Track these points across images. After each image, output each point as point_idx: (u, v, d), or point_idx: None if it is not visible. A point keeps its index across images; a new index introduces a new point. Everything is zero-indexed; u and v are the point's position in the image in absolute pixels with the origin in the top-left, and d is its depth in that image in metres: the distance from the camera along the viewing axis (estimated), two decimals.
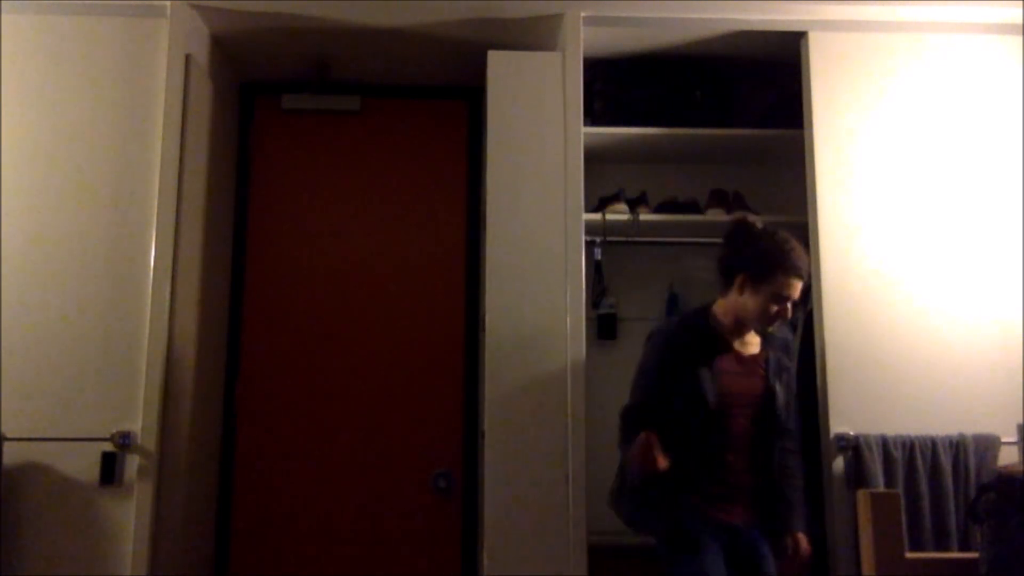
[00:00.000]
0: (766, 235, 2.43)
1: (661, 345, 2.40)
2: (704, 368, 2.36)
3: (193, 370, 2.81)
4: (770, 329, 2.46)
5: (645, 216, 3.09)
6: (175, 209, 2.69)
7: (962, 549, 2.51)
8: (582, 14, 2.84)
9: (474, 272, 3.31)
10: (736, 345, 2.44)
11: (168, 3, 2.76)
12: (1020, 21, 2.83)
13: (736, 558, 2.37)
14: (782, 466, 2.46)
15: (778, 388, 2.43)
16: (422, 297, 3.31)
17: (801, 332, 2.88)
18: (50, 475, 2.53)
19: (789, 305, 2.38)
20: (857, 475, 2.55)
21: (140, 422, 2.57)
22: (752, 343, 2.46)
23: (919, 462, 2.57)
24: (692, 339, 2.40)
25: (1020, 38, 2.85)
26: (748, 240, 2.43)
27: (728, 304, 2.43)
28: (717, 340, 2.42)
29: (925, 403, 2.66)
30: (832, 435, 2.61)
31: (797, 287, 2.37)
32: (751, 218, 2.54)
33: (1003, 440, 2.61)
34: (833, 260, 2.73)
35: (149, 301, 2.63)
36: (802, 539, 2.45)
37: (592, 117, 3.07)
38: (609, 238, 3.12)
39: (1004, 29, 2.85)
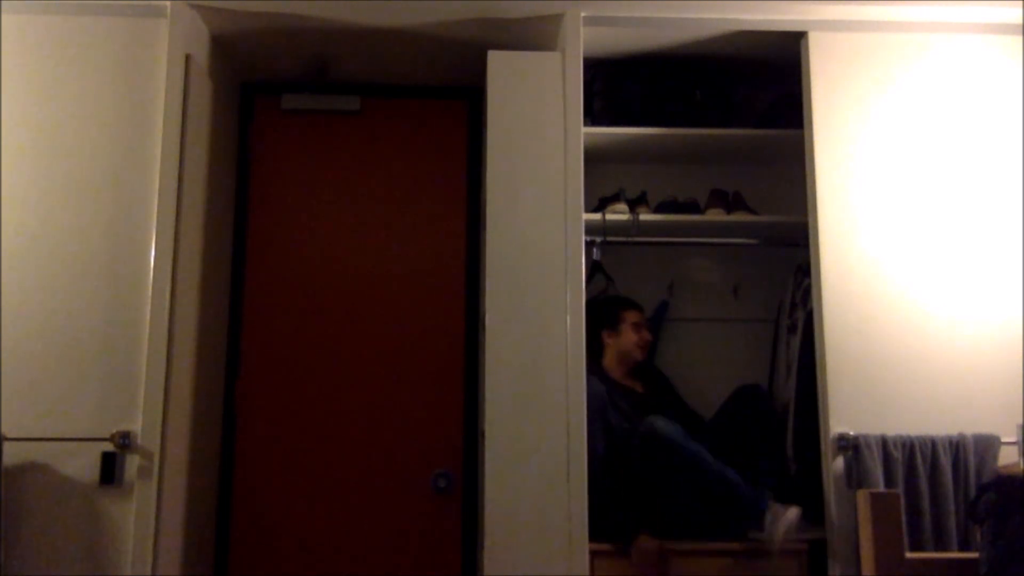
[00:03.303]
0: (600, 300, 3.09)
1: (588, 398, 2.69)
2: (614, 409, 2.85)
3: (193, 370, 2.81)
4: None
5: (645, 216, 3.09)
6: (175, 209, 2.69)
7: (962, 549, 2.51)
8: (582, 14, 2.84)
9: (474, 272, 3.31)
10: (630, 386, 2.99)
11: (168, 3, 2.76)
12: (1020, 21, 2.84)
13: None
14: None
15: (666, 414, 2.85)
16: (422, 297, 3.31)
17: (802, 332, 2.88)
18: (50, 475, 2.53)
19: (644, 330, 3.04)
20: (857, 475, 2.55)
21: (140, 422, 2.56)
22: (636, 385, 3.02)
23: (919, 462, 2.57)
24: (600, 392, 2.83)
25: (1020, 38, 2.86)
26: (594, 307, 2.95)
27: (612, 354, 3.01)
28: (617, 385, 2.95)
29: (925, 403, 2.66)
30: (832, 435, 2.62)
31: (637, 315, 3.05)
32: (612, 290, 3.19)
33: (1003, 440, 2.61)
34: (833, 260, 2.73)
35: (149, 301, 2.63)
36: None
37: (592, 117, 3.07)
38: (609, 238, 3.12)
39: (1004, 29, 2.85)
